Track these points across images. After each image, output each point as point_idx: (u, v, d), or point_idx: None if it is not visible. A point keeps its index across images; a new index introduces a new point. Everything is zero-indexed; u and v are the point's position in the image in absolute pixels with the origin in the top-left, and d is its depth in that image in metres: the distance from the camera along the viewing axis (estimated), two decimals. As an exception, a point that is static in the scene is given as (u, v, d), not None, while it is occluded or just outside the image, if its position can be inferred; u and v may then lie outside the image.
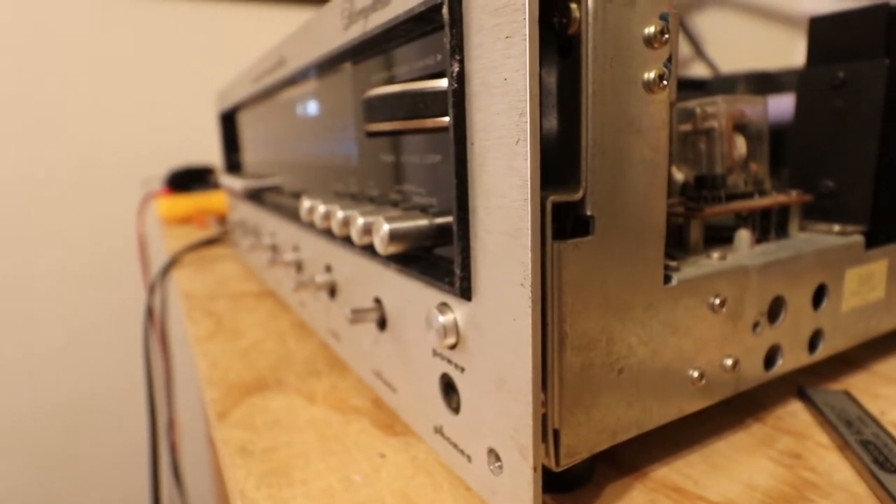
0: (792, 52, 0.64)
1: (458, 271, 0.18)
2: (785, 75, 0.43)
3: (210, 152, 0.95)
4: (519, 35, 0.14)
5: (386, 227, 0.21)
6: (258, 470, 0.23)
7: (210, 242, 0.70)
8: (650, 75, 0.18)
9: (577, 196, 0.17)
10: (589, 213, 0.17)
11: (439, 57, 0.20)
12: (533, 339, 0.16)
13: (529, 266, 0.15)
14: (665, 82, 0.18)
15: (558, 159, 0.18)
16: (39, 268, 0.91)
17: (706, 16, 0.76)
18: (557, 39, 0.17)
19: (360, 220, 0.23)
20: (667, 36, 0.17)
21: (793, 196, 0.27)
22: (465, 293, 0.18)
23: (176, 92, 0.96)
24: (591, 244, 0.18)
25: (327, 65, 0.30)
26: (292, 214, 0.38)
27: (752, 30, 0.69)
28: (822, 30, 0.29)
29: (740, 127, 0.27)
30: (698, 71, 0.75)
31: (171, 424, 0.70)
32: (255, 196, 0.51)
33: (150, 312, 0.66)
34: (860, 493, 0.20)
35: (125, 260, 0.94)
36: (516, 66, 0.15)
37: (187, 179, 0.87)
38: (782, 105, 0.34)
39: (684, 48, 0.76)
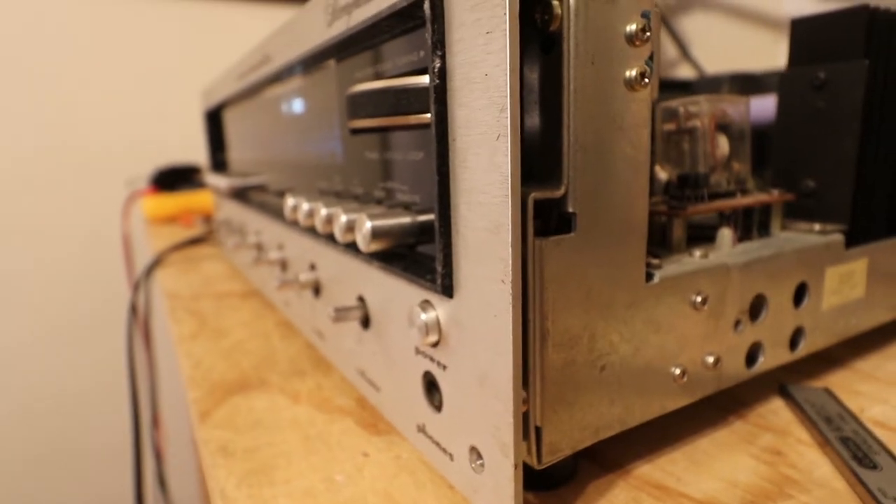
0: (777, 55, 0.65)
1: (439, 268, 0.18)
2: (768, 76, 0.43)
3: (196, 152, 0.95)
4: (499, 30, 0.14)
5: (368, 225, 0.20)
6: (239, 469, 0.23)
7: (195, 242, 0.69)
8: (632, 73, 0.18)
9: (559, 193, 0.17)
10: (571, 210, 0.17)
11: (422, 53, 0.20)
12: (514, 336, 0.16)
13: (510, 262, 0.15)
14: (647, 80, 0.18)
15: (541, 156, 0.18)
16: (22, 266, 0.90)
17: (692, 18, 0.77)
18: (539, 36, 0.17)
19: (343, 218, 0.23)
20: (648, 34, 0.18)
21: (774, 195, 0.27)
22: (447, 290, 0.18)
23: (161, 91, 0.95)
24: (573, 241, 0.18)
25: (311, 62, 0.29)
26: (277, 213, 0.38)
27: (738, 32, 0.70)
28: (803, 31, 0.29)
29: (723, 126, 0.27)
30: (685, 73, 0.76)
31: (156, 424, 0.69)
32: (241, 195, 0.51)
33: (133, 312, 0.65)
34: (839, 489, 0.20)
35: (110, 260, 0.93)
36: (497, 62, 0.15)
37: (173, 179, 0.86)
38: (765, 106, 0.35)
39: (670, 50, 0.77)
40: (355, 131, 0.25)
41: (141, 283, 0.63)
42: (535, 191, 0.17)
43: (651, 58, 0.18)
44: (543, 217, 0.18)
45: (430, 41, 0.17)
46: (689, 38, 0.72)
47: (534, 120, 0.18)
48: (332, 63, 0.28)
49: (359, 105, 0.22)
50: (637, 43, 0.17)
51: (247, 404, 0.28)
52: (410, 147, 0.22)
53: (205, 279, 0.54)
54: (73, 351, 0.94)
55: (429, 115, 0.18)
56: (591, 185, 0.18)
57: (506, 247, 0.15)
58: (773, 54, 0.65)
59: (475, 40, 0.15)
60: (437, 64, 0.17)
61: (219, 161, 0.62)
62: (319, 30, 0.26)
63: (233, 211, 0.55)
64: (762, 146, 0.32)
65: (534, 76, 0.18)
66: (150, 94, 0.94)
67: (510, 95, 0.14)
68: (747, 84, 0.42)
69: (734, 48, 0.71)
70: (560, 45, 0.17)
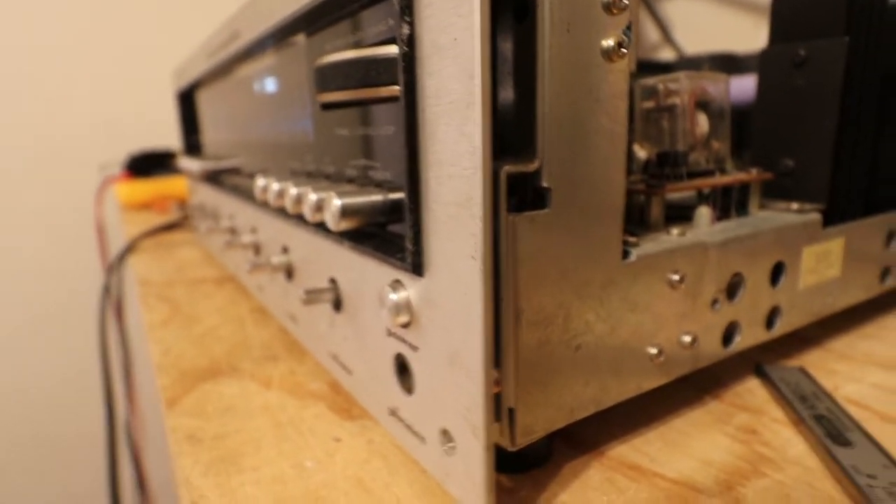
0: (759, 39, 0.65)
1: (409, 246, 0.18)
2: (749, 58, 0.43)
3: (171, 136, 0.92)
4: (468, -9, 0.14)
5: (337, 203, 0.20)
6: (206, 457, 0.22)
7: (169, 227, 0.67)
8: (609, 42, 0.17)
9: (533, 167, 0.17)
10: (545, 184, 0.17)
11: (392, 22, 0.19)
12: (484, 313, 0.15)
13: (480, 237, 0.15)
14: (624, 50, 0.17)
15: (515, 130, 0.17)
16: (-11, 255, 0.87)
17: (675, 1, 0.76)
18: (513, 3, 0.17)
19: (313, 197, 0.22)
20: (626, 2, 0.17)
21: (753, 174, 0.27)
22: (418, 269, 0.18)
23: (136, 74, 0.92)
24: (547, 217, 0.17)
25: (281, 35, 0.28)
26: (250, 195, 0.37)
27: (721, 15, 0.69)
28: (784, 8, 0.29)
29: (703, 104, 0.27)
30: (666, 56, 0.75)
31: (132, 412, 0.68)
32: (214, 178, 0.49)
33: (107, 299, 0.64)
34: (812, 467, 0.20)
35: (83, 247, 0.90)
36: (466, 25, 0.14)
37: (147, 164, 0.84)
38: (745, 86, 0.34)
39: (652, 33, 0.77)
40: (325, 106, 0.24)
41: (114, 269, 0.62)
42: (509, 164, 0.16)
43: (629, 27, 0.18)
44: (518, 193, 0.17)
45: (397, 6, 0.16)
46: (670, 22, 0.72)
47: (508, 92, 0.18)
48: (301, 38, 0.27)
49: (327, 77, 0.21)
50: (615, 11, 0.17)
51: (217, 391, 0.28)
52: (381, 122, 0.21)
53: (179, 265, 0.53)
54: (45, 339, 0.92)
55: (398, 87, 0.17)
56: (567, 158, 0.17)
57: (476, 221, 0.15)
58: (756, 39, 0.65)
59: (444, 4, 0.15)
60: (406, 31, 0.16)
61: (192, 144, 0.60)
62: (288, 0, 0.25)
63: (206, 195, 0.53)
64: (741, 126, 0.32)
65: (507, 45, 0.17)
66: (125, 78, 0.91)
67: (480, 61, 0.14)
68: (728, 64, 0.41)
69: (716, 32, 0.71)
70: (534, 12, 0.16)
